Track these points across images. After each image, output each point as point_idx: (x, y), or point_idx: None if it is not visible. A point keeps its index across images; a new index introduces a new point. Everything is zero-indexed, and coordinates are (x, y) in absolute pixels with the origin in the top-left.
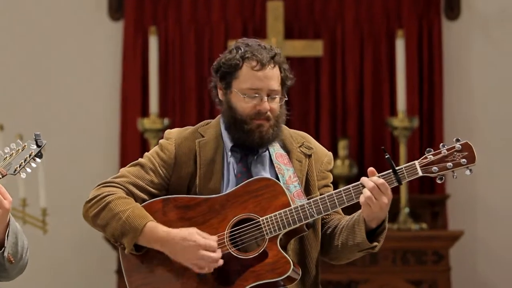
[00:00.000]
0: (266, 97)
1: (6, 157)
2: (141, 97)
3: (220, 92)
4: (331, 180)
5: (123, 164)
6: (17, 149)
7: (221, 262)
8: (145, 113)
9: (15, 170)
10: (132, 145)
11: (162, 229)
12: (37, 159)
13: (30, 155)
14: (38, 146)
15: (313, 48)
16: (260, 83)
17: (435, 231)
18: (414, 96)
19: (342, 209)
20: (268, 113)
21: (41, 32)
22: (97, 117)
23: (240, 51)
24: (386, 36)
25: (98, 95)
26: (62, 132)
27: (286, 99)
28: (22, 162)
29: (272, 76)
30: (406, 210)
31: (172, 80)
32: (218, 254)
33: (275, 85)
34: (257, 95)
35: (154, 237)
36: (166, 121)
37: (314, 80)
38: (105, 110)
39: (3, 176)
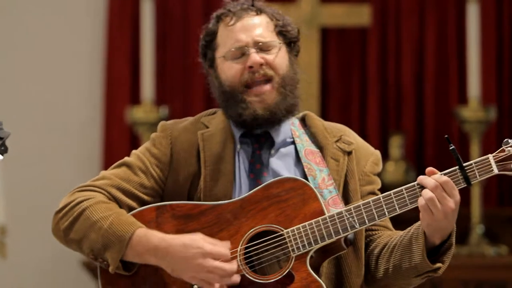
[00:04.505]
0: (253, 49)
1: None
2: (131, 79)
3: (211, 78)
4: (379, 186)
5: (107, 167)
6: None
7: (236, 278)
8: (136, 100)
9: None
10: (119, 142)
11: (156, 235)
12: None
13: None
14: None
15: (358, 15)
16: (241, 36)
17: None
18: (491, 79)
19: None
20: (265, 68)
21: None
22: (73, 106)
23: (215, 16)
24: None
25: (75, 77)
26: (28, 126)
27: (280, 44)
28: None
29: (257, 24)
30: (480, 228)
31: (172, 57)
32: (232, 265)
33: (264, 33)
34: (242, 52)
35: (145, 246)
36: (163, 110)
37: (359, 57)
38: (83, 96)
39: None
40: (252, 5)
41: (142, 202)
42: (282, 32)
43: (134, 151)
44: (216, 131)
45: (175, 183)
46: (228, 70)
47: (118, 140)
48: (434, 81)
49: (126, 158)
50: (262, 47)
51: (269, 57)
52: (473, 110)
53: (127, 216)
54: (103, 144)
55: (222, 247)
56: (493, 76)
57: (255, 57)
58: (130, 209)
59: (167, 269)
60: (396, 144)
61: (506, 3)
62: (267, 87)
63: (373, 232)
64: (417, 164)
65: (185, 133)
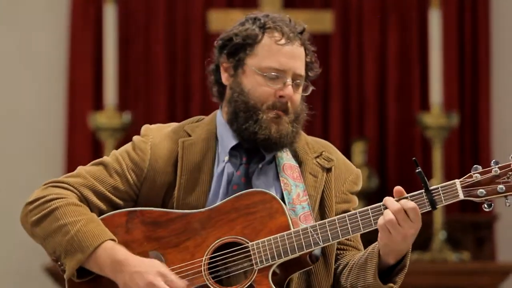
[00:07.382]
0: (290, 80)
1: None
2: (94, 84)
3: (225, 75)
4: (356, 205)
5: (69, 172)
6: None
7: None
8: (98, 105)
9: None
10: (81, 148)
11: (121, 252)
12: None
13: None
14: None
15: (320, 21)
16: (286, 62)
17: (480, 262)
18: (452, 85)
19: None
20: (288, 103)
21: None
22: (36, 110)
23: (258, 22)
24: (417, 6)
25: (37, 81)
26: None
27: (313, 88)
28: None
29: (300, 57)
30: (442, 234)
31: (135, 63)
32: None
33: (302, 68)
34: (279, 76)
35: (107, 260)
36: (126, 115)
37: (322, 63)
38: (46, 101)
39: None
40: (301, 33)
41: (113, 205)
42: (307, 70)
43: (114, 151)
44: (198, 140)
45: (150, 190)
46: (258, 86)
47: (81, 146)
48: (396, 87)
49: (105, 158)
50: (297, 82)
51: (296, 95)
52: (435, 116)
53: (95, 225)
54: (66, 149)
55: (179, 279)
56: (455, 82)
57: (291, 90)
58: (100, 211)
59: (120, 284)
60: (358, 150)
61: (467, 9)
62: (283, 115)
63: (341, 252)
64: (379, 170)
65: (166, 141)
